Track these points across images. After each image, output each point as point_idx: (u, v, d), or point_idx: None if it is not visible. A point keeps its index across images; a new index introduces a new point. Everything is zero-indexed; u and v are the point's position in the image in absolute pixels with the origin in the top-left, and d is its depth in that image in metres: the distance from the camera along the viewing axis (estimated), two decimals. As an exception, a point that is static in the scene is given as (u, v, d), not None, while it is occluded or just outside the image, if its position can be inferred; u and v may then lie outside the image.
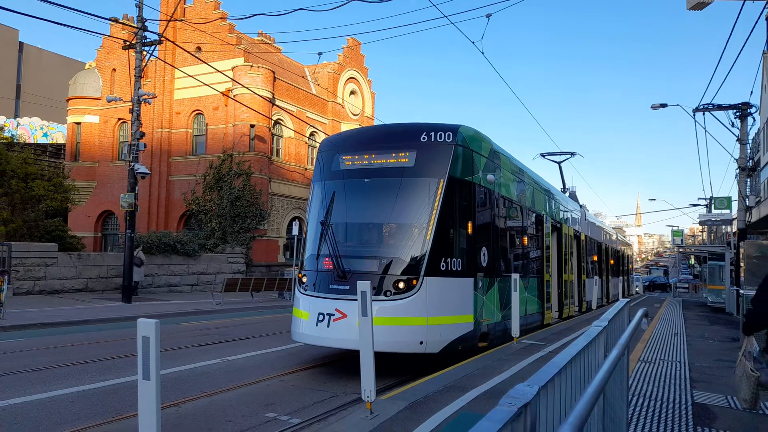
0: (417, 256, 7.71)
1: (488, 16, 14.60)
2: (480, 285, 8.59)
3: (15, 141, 23.97)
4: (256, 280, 20.87)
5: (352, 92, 37.87)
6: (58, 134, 42.60)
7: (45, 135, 42.85)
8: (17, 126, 41.28)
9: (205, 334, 11.88)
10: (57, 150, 38.14)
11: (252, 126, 28.42)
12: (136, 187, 18.38)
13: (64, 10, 12.71)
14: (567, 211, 16.91)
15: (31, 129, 42.58)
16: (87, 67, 34.86)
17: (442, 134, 8.30)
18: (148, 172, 19.11)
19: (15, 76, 54.50)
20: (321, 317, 7.62)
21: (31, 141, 39.82)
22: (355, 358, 5.67)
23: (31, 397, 6.29)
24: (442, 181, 8.02)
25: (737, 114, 20.53)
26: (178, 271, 23.66)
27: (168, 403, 6.01)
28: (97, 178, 32.90)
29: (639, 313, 4.53)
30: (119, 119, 32.19)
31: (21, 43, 55.80)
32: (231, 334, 11.91)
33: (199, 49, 29.50)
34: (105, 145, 32.90)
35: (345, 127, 34.19)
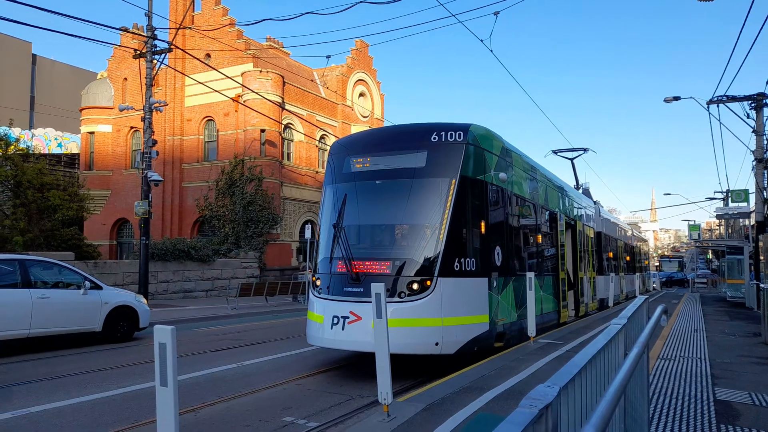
0: (430, 257, 7.67)
1: (496, 13, 14.53)
2: (494, 284, 8.53)
3: (30, 152, 24.29)
4: (270, 284, 20.93)
5: (361, 94, 37.91)
6: (72, 144, 43.16)
7: (59, 145, 43.42)
8: (32, 137, 41.89)
9: (221, 339, 11.93)
10: (71, 160, 38.63)
11: (262, 131, 28.55)
12: (150, 195, 18.54)
13: (76, 21, 12.84)
14: (581, 208, 16.76)
15: (46, 140, 43.17)
16: (99, 77, 35.29)
17: (453, 134, 8.26)
18: (161, 179, 19.27)
19: (29, 88, 55.32)
20: (335, 320, 7.61)
21: (46, 151, 40.39)
22: (370, 361, 5.66)
23: (52, 404, 6.34)
24: (453, 181, 7.98)
25: (752, 105, 20.23)
26: (192, 276, 23.82)
27: (186, 409, 6.03)
28: (111, 186, 33.26)
29: (658, 309, 4.46)
30: (131, 128, 32.51)
31: (34, 56, 56.65)
32: (246, 338, 11.95)
33: (208, 56, 29.72)
34: (118, 154, 33.25)
35: (355, 129, 34.23)
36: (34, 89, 55.84)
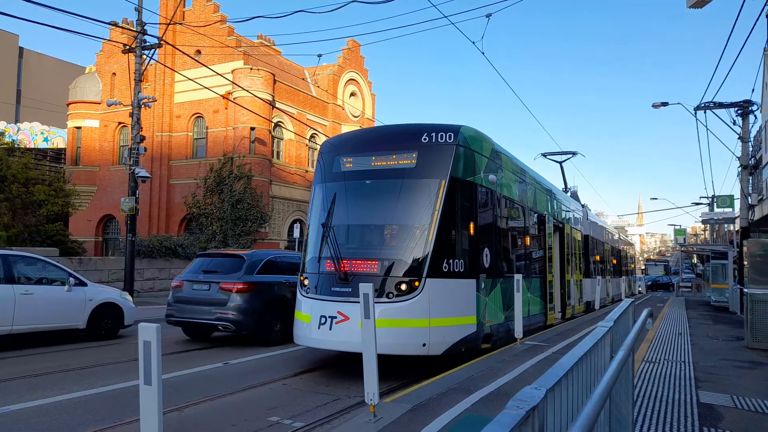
0: (419, 258, 7.67)
1: (488, 16, 14.57)
2: (482, 286, 8.55)
3: (16, 146, 23.92)
4: (257, 283, 20.77)
5: (353, 94, 37.86)
6: (58, 139, 42.63)
7: (45, 140, 42.87)
8: (18, 131, 41.30)
9: (207, 337, 11.84)
10: (57, 155, 38.12)
11: (252, 129, 28.40)
12: (137, 191, 18.36)
13: (64, 14, 12.71)
14: (569, 211, 16.87)
15: (32, 134, 42.61)
16: (87, 71, 34.89)
17: (443, 135, 8.27)
18: (148, 176, 19.09)
19: (15, 81, 54.56)
20: (323, 320, 7.58)
21: (32, 146, 39.81)
22: (357, 361, 5.64)
23: (32, 402, 6.25)
24: (443, 182, 7.99)
25: (739, 112, 20.52)
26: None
27: (170, 408, 5.97)
28: (97, 182, 32.90)
29: (644, 313, 4.50)
30: (119, 123, 32.19)
31: (21, 48, 55.86)
32: (233, 337, 11.86)
33: (198, 52, 29.50)
34: (105, 150, 32.90)
35: (345, 128, 34.17)
36: (21, 82, 55.09)
